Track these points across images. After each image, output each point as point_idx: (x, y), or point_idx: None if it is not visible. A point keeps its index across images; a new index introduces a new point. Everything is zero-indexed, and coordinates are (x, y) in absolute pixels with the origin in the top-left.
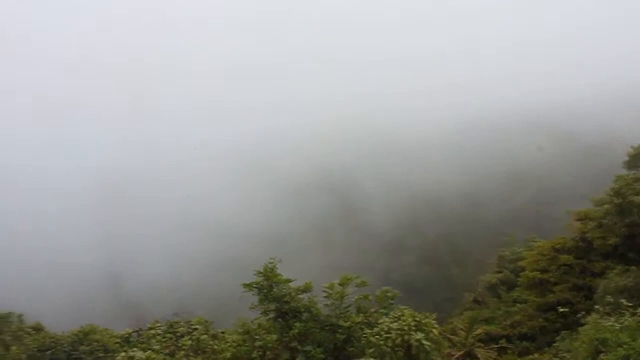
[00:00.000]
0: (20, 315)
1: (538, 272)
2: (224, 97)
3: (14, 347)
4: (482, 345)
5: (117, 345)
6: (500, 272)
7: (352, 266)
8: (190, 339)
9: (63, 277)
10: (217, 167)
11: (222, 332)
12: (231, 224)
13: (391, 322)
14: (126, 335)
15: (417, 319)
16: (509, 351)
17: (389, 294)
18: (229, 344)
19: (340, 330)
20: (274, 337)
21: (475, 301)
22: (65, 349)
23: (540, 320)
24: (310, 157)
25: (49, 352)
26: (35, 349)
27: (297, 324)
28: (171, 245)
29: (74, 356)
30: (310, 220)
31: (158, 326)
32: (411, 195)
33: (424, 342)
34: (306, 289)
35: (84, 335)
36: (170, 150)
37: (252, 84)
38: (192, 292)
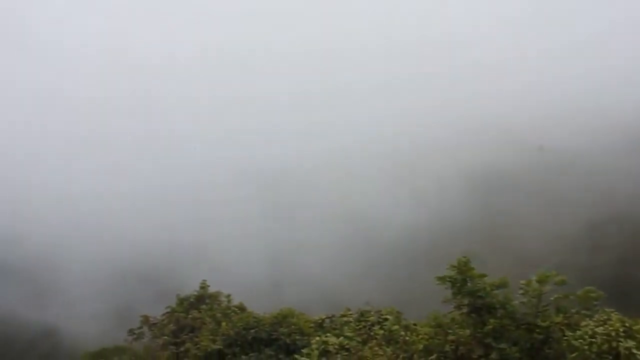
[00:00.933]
0: (228, 295)
1: None
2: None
3: (223, 324)
4: None
5: (312, 329)
6: None
7: (543, 264)
8: (381, 328)
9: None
10: (373, 168)
11: (414, 324)
12: (392, 224)
13: (596, 326)
14: (320, 321)
15: (627, 324)
16: None
17: (592, 295)
18: (420, 336)
19: (537, 330)
20: (467, 331)
21: None
22: (266, 329)
23: None
24: (479, 156)
25: (253, 330)
26: (241, 327)
27: (492, 320)
28: (333, 249)
29: (274, 336)
30: (492, 217)
31: (350, 314)
32: (609, 188)
33: (635, 351)
34: (502, 284)
35: (283, 318)
36: (326, 152)
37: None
38: (352, 294)
